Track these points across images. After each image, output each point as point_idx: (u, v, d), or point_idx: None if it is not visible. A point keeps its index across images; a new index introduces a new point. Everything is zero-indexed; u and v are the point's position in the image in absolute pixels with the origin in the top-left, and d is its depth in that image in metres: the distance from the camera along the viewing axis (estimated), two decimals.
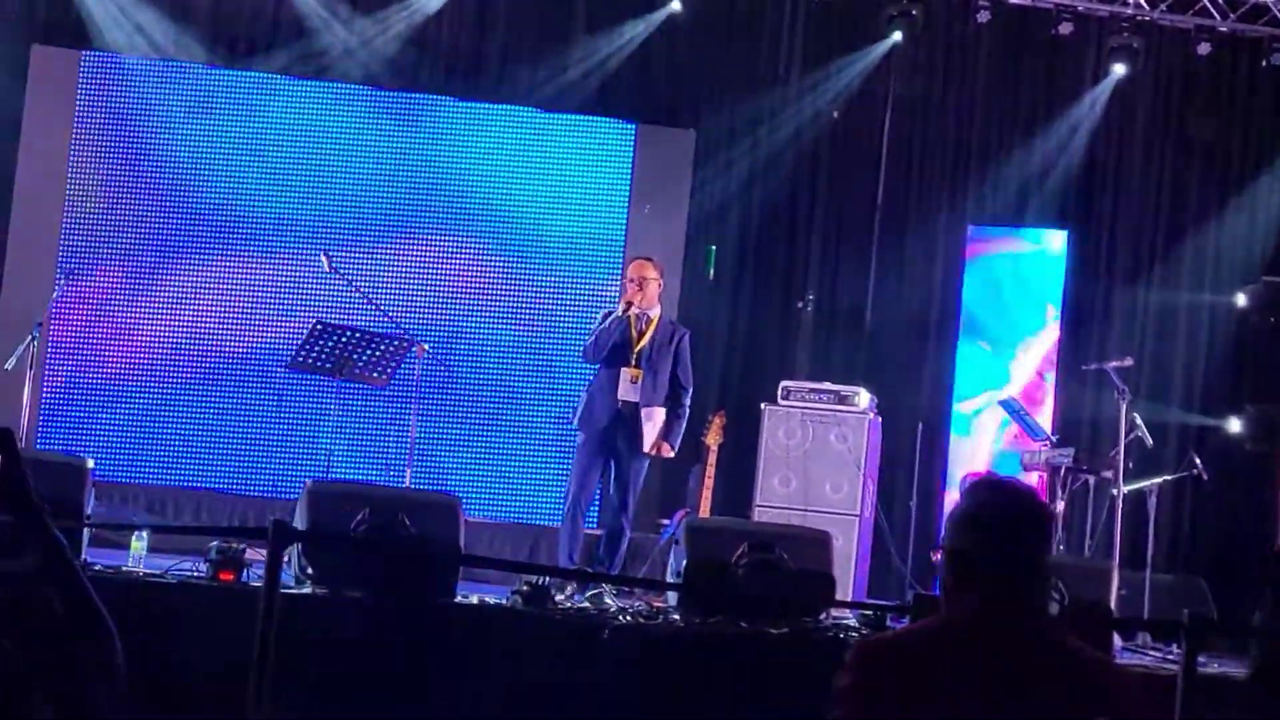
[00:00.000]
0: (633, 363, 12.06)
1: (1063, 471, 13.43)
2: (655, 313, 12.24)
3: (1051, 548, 4.16)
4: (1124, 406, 12.97)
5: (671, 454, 12.19)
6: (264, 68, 15.24)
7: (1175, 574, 14.08)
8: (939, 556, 4.12)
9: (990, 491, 4.14)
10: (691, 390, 12.29)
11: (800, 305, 15.25)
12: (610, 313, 12.21)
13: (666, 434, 12.07)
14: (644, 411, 12.00)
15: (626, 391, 12.04)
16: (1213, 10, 15.59)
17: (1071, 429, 14.82)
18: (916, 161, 15.90)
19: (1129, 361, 13.55)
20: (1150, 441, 13.46)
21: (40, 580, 3.74)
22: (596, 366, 12.15)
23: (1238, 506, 15.14)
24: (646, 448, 11.99)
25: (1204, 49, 15.54)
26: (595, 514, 12.88)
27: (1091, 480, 13.55)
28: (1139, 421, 13.27)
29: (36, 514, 3.84)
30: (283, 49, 15.21)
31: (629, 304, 12.12)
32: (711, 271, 15.50)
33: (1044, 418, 14.80)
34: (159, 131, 15.11)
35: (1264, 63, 15.68)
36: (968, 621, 4.06)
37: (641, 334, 12.11)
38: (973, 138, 15.92)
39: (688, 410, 12.24)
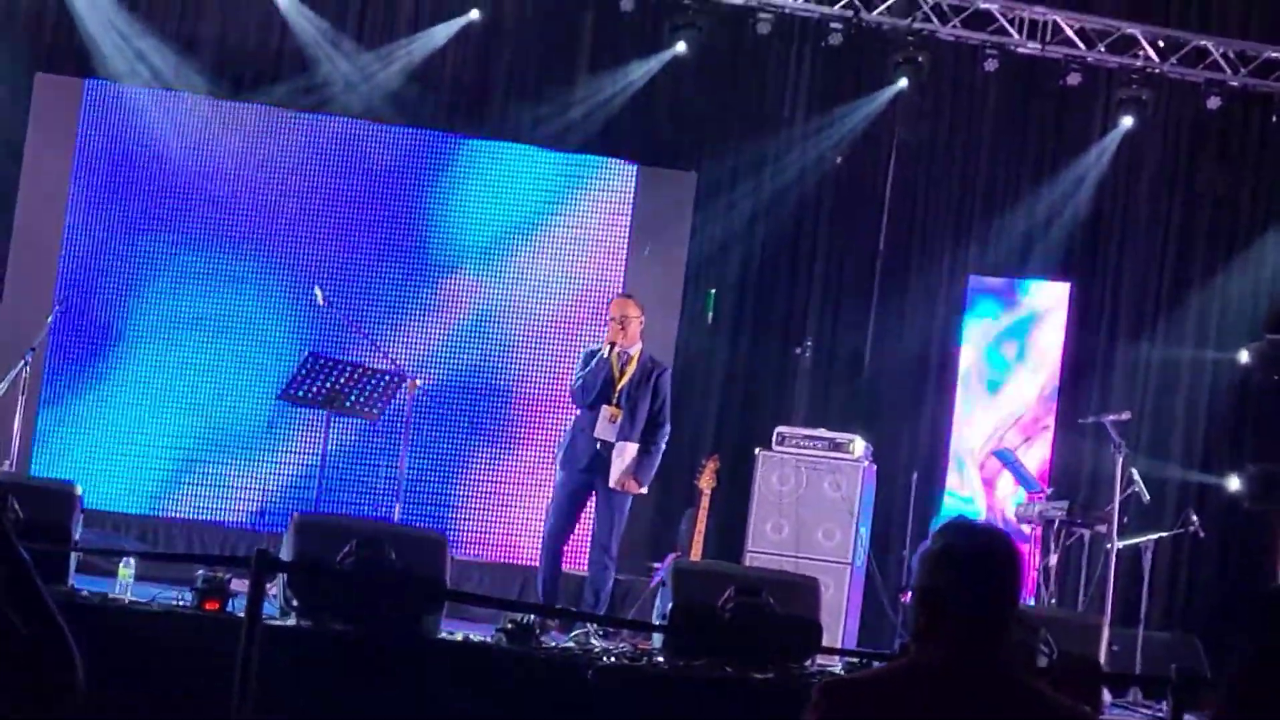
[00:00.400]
0: (613, 401, 12.00)
1: (1056, 524, 13.34)
2: (636, 350, 12.20)
3: (1021, 588, 4.05)
4: (1120, 461, 12.88)
5: (639, 490, 12.09)
6: (265, 99, 15.24)
7: (1171, 631, 13.99)
8: (908, 597, 4.03)
9: (959, 531, 4.06)
10: (668, 428, 12.21)
11: (799, 351, 15.18)
12: (594, 352, 12.15)
13: (636, 469, 11.98)
14: (616, 447, 11.94)
15: (604, 430, 12.00)
16: (1224, 64, 15.55)
17: (1068, 482, 14.72)
18: (919, 209, 15.85)
19: (1127, 416, 13.48)
20: (1147, 497, 13.38)
21: (3, 598, 3.67)
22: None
23: (1236, 565, 15.05)
24: (612, 483, 11.91)
25: (1214, 103, 15.49)
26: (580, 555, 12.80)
27: (1086, 534, 13.46)
28: (1136, 476, 13.20)
29: (5, 534, 3.77)
30: (284, 81, 15.22)
31: (612, 344, 12.07)
32: (711, 315, 15.44)
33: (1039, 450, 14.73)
34: (159, 161, 15.09)
35: (1274, 118, 15.65)
36: (937, 663, 3.97)
37: (623, 372, 12.06)
38: (977, 186, 15.88)
39: (661, 447, 12.15)
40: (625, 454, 11.97)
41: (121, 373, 14.96)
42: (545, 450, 14.75)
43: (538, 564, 12.19)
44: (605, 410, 12.01)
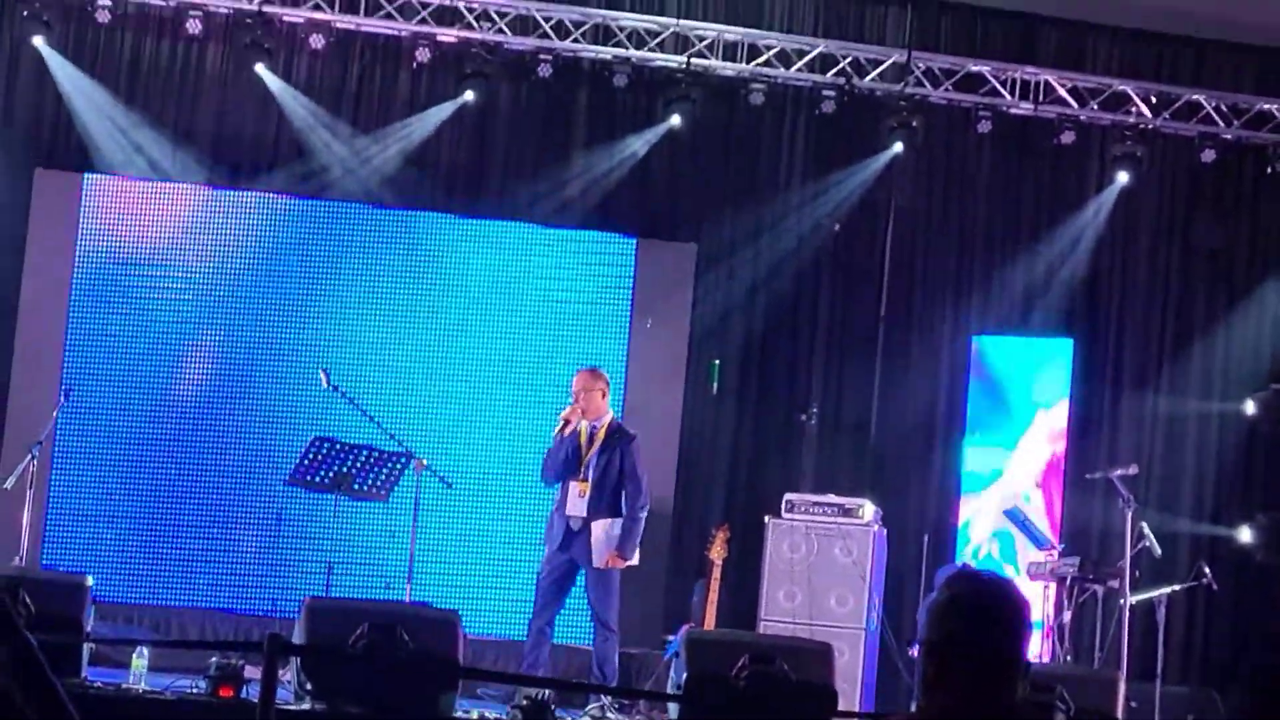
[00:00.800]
0: (580, 476, 12.00)
1: (1068, 581, 13.31)
2: (605, 421, 12.20)
3: (1028, 636, 4.06)
4: (1130, 515, 12.87)
5: (624, 563, 12.05)
6: (264, 187, 15.29)
7: (1188, 686, 13.95)
8: (916, 650, 4.02)
9: (965, 581, 4.07)
10: (645, 497, 12.18)
11: (804, 417, 15.15)
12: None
13: (620, 544, 11.96)
14: (592, 525, 11.93)
15: (574, 506, 12.03)
16: (1216, 118, 15.63)
17: (1079, 538, 14.70)
18: (919, 271, 15.88)
19: (1134, 470, 13.47)
20: (1158, 551, 13.36)
21: (8, 679, 3.69)
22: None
23: (1251, 617, 15.00)
24: (597, 562, 11.90)
25: (1208, 156, 15.58)
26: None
27: (1099, 590, 13.42)
28: (1147, 530, 13.17)
29: (4, 615, 3.79)
30: (282, 168, 15.27)
31: (565, 422, 12.09)
32: (715, 384, 15.45)
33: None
34: (160, 251, 15.15)
35: (1268, 169, 15.71)
36: (947, 713, 3.97)
37: (591, 444, 12.07)
38: (976, 247, 15.91)
39: (640, 517, 12.10)
40: (604, 531, 11.95)
41: (129, 462, 14.98)
42: None
43: None
44: (573, 486, 12.04)
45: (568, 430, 12.12)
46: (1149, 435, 15.64)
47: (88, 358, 15.01)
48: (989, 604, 4.01)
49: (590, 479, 11.98)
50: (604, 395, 12.27)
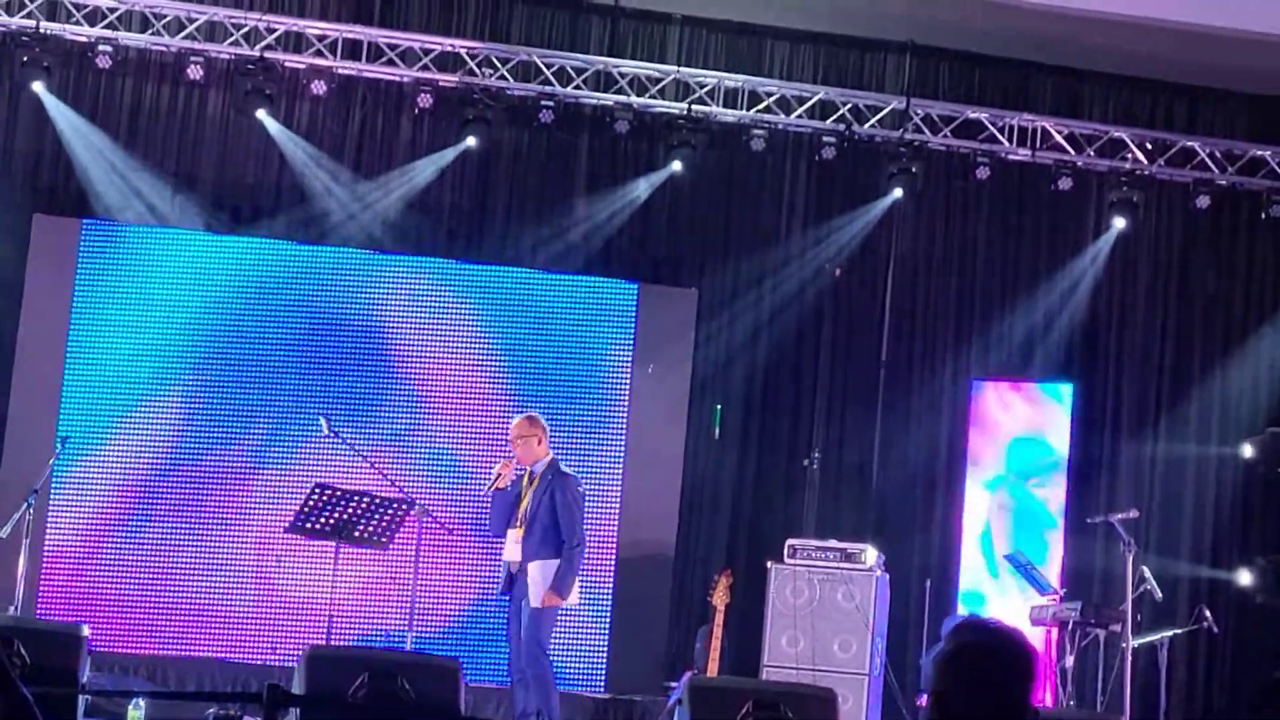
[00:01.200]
0: (516, 523, 12.01)
1: (1071, 625, 13.31)
2: (541, 466, 12.19)
3: (1035, 684, 4.05)
4: (1130, 559, 12.86)
5: (561, 602, 12.00)
6: (265, 232, 15.30)
7: None
8: (924, 700, 4.02)
9: (971, 631, 4.07)
10: (576, 537, 12.09)
11: (807, 462, 15.15)
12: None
13: (555, 583, 11.92)
14: (528, 567, 11.93)
15: (511, 552, 12.08)
16: (1211, 164, 15.69)
17: (1080, 582, 14.69)
18: (920, 316, 15.91)
19: (1134, 514, 13.48)
20: (1159, 595, 13.38)
21: None
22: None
23: (1252, 660, 14.99)
24: (534, 602, 11.88)
25: (1203, 202, 15.63)
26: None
27: (1101, 634, 13.42)
28: (1148, 574, 13.19)
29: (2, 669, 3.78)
30: (283, 214, 15.27)
31: (498, 475, 12.15)
32: (717, 430, 15.46)
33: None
34: (159, 297, 15.12)
35: (1263, 215, 15.74)
36: None
37: (530, 489, 12.09)
38: (975, 291, 15.95)
39: (574, 556, 12.01)
40: (540, 572, 11.94)
41: (126, 510, 14.93)
42: None
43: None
44: (510, 533, 12.05)
45: (501, 483, 12.14)
46: (1148, 479, 15.67)
47: (84, 405, 14.97)
48: (995, 654, 4.01)
49: (525, 523, 12.01)
50: (540, 441, 12.27)
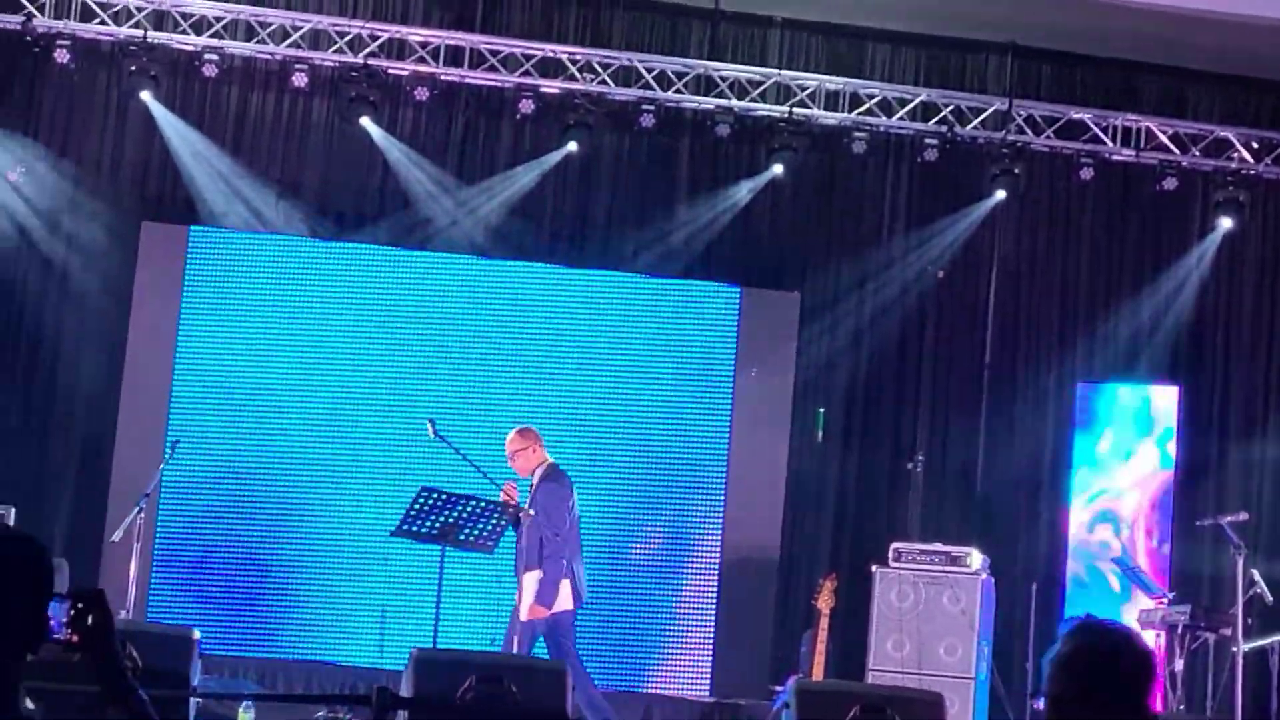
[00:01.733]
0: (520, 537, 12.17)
1: (1180, 629, 13.20)
2: (538, 474, 12.29)
3: (1153, 687, 4.02)
4: (1241, 562, 12.74)
5: (544, 613, 12.03)
6: (369, 239, 15.40)
7: None
8: (1039, 703, 4.00)
9: (1088, 634, 4.03)
10: (553, 535, 12.12)
11: (910, 465, 15.08)
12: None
13: (539, 595, 11.97)
14: (522, 579, 12.06)
15: (517, 568, 12.21)
16: None
17: (1189, 586, 14.57)
18: (1023, 318, 15.84)
19: (1244, 516, 13.34)
20: (1270, 598, 13.23)
21: None
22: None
23: None
24: (523, 616, 11.94)
25: None
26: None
27: (1211, 638, 13.30)
28: (1258, 577, 13.06)
29: (122, 674, 3.82)
30: (386, 220, 15.36)
31: (506, 497, 12.19)
32: (820, 433, 15.42)
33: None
34: (266, 303, 15.26)
35: None
36: None
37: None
38: (1079, 293, 15.84)
39: (551, 565, 12.06)
40: (526, 583, 12.04)
41: (234, 515, 15.06)
42: (664, 576, 14.78)
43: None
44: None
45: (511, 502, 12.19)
46: (1257, 480, 15.51)
47: (193, 410, 15.11)
48: (1113, 656, 3.97)
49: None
50: (535, 450, 12.37)
